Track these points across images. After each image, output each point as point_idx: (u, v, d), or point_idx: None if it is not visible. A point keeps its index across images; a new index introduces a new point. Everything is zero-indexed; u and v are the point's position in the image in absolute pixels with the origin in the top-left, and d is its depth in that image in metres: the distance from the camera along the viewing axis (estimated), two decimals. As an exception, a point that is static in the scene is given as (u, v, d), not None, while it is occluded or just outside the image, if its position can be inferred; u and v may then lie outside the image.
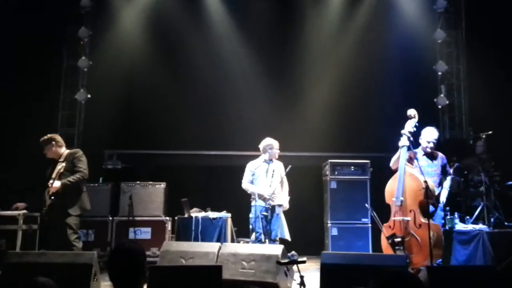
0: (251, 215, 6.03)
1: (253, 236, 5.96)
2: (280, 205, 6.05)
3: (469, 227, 6.15)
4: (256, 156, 6.34)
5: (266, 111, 8.08)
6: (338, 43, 8.46)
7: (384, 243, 5.20)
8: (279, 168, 6.18)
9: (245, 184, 6.19)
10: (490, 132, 6.77)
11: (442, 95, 8.45)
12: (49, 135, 5.48)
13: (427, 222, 4.93)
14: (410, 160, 5.40)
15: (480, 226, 6.13)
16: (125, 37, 8.28)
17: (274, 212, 5.90)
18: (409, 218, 5.07)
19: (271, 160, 6.14)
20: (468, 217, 6.46)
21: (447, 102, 8.47)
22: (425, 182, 4.92)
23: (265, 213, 5.83)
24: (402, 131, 5.33)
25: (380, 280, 1.96)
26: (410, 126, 5.35)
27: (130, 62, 8.21)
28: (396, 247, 4.93)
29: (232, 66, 8.26)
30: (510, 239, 5.75)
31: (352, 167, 7.04)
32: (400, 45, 8.20)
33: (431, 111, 8.36)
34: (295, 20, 8.44)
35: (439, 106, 8.48)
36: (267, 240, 5.76)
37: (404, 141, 5.28)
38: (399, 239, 4.94)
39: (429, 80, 8.53)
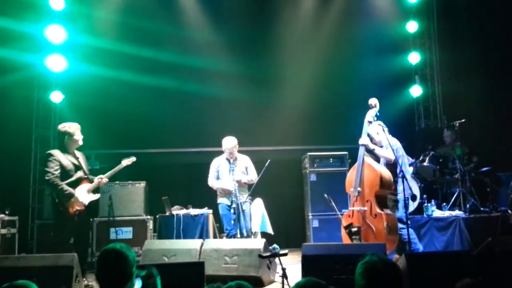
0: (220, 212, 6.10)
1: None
2: (245, 202, 5.99)
3: (446, 213, 6.32)
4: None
5: (243, 107, 8.07)
6: (313, 37, 8.49)
7: (343, 232, 5.31)
8: (241, 164, 6.20)
9: (211, 181, 6.21)
10: (463, 120, 6.87)
11: (416, 86, 8.62)
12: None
13: (382, 212, 5.09)
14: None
15: (456, 212, 6.30)
16: (99, 36, 8.14)
17: (242, 209, 5.86)
18: (365, 208, 5.19)
19: (231, 158, 6.13)
20: (444, 204, 6.63)
21: (421, 92, 8.64)
22: (380, 172, 5.14)
23: (229, 210, 5.88)
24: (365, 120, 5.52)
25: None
26: (371, 115, 5.53)
27: (105, 60, 8.08)
28: (353, 237, 5.05)
29: (208, 63, 8.20)
30: (486, 224, 5.93)
31: (331, 159, 7.12)
32: (374, 38, 8.31)
33: (406, 102, 8.58)
34: (269, 15, 8.45)
35: (414, 97, 8.64)
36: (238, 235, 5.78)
37: (363, 140, 5.44)
38: (355, 229, 5.07)
39: (403, 71, 8.69)
